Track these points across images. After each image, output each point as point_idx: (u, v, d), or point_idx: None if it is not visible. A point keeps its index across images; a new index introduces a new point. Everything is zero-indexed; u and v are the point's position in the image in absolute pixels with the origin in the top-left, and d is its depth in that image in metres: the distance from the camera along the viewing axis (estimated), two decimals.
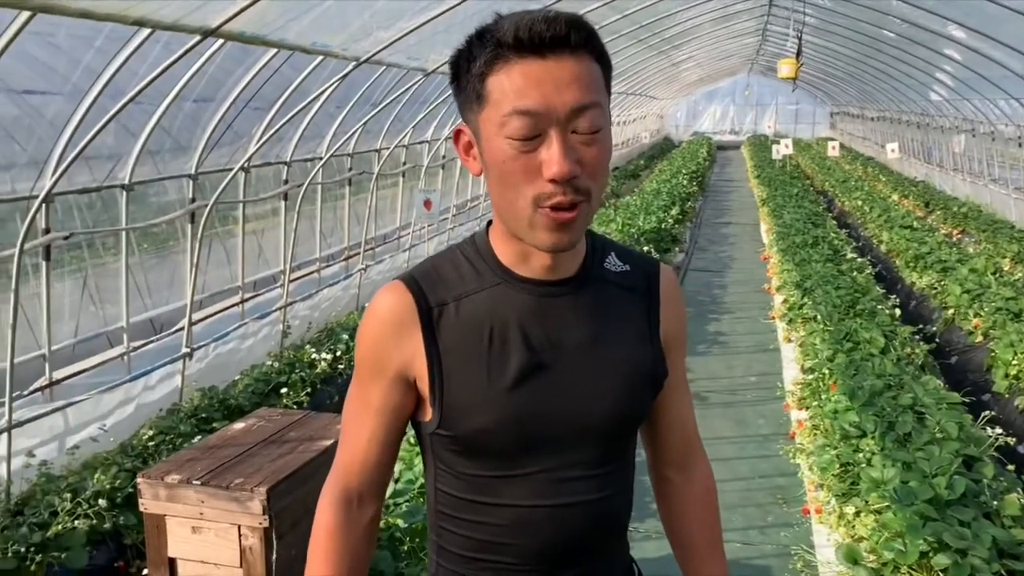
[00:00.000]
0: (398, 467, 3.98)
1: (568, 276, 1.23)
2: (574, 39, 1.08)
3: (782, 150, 17.23)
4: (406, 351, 1.20)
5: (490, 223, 1.26)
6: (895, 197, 14.56)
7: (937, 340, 6.76)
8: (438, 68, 7.38)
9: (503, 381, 1.18)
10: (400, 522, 3.42)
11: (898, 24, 11.62)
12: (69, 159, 4.25)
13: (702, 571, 1.42)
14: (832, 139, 24.07)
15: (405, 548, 3.30)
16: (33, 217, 4.26)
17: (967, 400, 4.59)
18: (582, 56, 1.10)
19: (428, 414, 1.22)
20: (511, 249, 1.21)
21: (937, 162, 16.31)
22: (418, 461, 4.00)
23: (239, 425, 3.06)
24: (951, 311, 7.03)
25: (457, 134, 1.20)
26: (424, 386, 1.21)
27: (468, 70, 1.12)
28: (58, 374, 4.87)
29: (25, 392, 4.64)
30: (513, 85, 1.08)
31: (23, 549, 3.37)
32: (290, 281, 6.80)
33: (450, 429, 1.20)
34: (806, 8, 12.98)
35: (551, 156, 1.08)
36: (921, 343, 5.95)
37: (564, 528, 1.23)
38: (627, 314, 1.27)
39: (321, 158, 7.38)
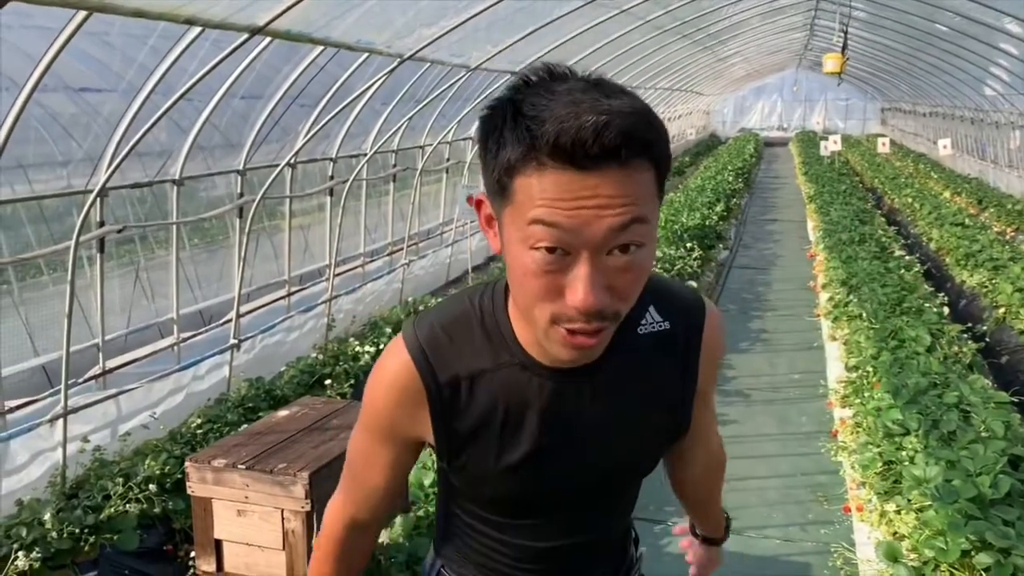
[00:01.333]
0: None
1: (592, 360, 1.08)
2: (625, 154, 0.89)
3: (830, 146, 16.95)
4: (414, 420, 1.14)
5: (507, 288, 1.12)
6: (947, 194, 14.25)
7: (987, 339, 6.62)
8: (481, 64, 7.43)
9: (511, 461, 1.13)
10: None
11: (950, 18, 11.38)
12: (122, 155, 4.37)
13: (706, 512, 1.54)
14: (882, 135, 23.61)
15: None
16: (88, 211, 4.39)
17: (1016, 400, 4.51)
18: (634, 166, 0.90)
19: (439, 458, 1.20)
20: (529, 331, 1.07)
21: (991, 158, 15.92)
22: None
23: (283, 413, 3.14)
24: (1002, 310, 6.88)
25: (478, 204, 1.04)
26: (432, 446, 1.18)
27: (495, 154, 0.94)
28: (111, 363, 5.02)
29: (80, 380, 4.79)
30: (544, 192, 0.90)
31: (77, 530, 3.49)
32: (335, 275, 6.91)
33: (462, 488, 1.21)
34: (854, 2, 12.76)
35: (576, 285, 0.92)
36: (969, 342, 5.83)
37: (567, 559, 1.28)
38: (658, 383, 1.17)
39: (366, 154, 7.47)
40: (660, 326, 1.15)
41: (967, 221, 10.59)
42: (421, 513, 3.55)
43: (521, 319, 1.09)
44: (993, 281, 7.51)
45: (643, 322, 1.14)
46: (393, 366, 1.13)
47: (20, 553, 3.25)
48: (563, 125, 0.87)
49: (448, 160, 9.67)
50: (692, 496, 1.52)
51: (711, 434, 1.43)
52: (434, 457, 1.22)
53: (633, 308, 1.03)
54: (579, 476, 1.18)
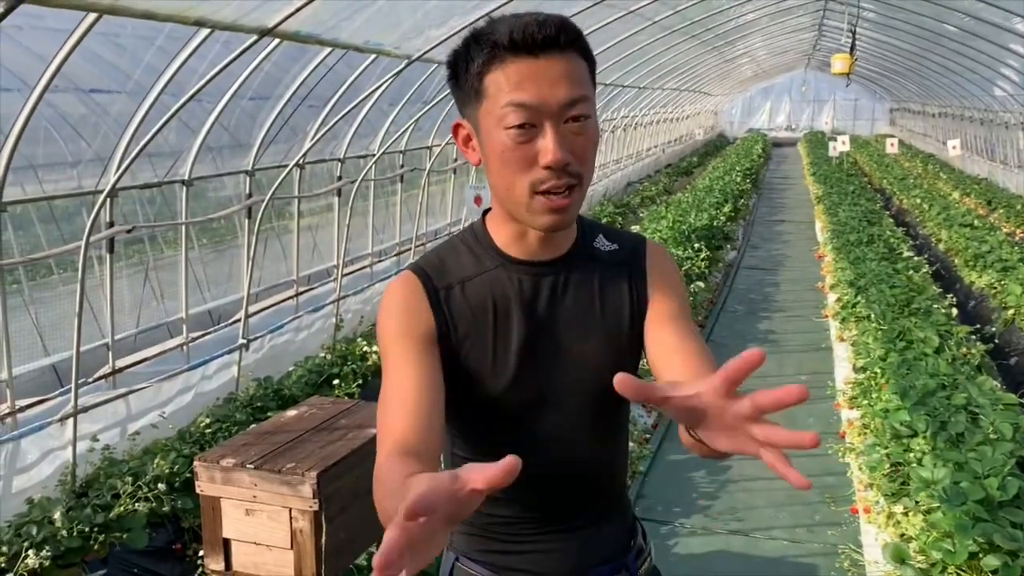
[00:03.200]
0: None
1: (560, 255, 1.35)
2: (563, 40, 1.18)
3: (839, 147, 16.89)
4: (424, 322, 1.30)
5: (486, 212, 1.38)
6: (956, 195, 14.20)
7: (996, 341, 6.59)
8: None
9: (507, 353, 1.31)
10: None
11: (960, 18, 11.34)
12: (132, 155, 4.39)
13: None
14: (891, 136, 23.55)
15: None
16: (98, 211, 4.41)
17: None
18: (570, 55, 1.20)
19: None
20: (507, 232, 1.33)
21: (1001, 159, 15.85)
22: None
23: (291, 412, 3.16)
24: (1011, 311, 6.86)
25: (456, 128, 1.30)
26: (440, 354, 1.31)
27: (467, 70, 1.22)
28: (121, 363, 5.04)
29: (90, 379, 4.82)
30: (509, 81, 1.18)
31: (87, 529, 3.52)
32: (343, 275, 6.92)
33: (461, 397, 1.31)
34: (863, 2, 12.73)
35: (547, 145, 1.18)
36: (978, 343, 5.82)
37: (561, 484, 1.37)
38: (613, 285, 1.38)
39: (374, 155, 7.49)
40: (611, 246, 1.40)
41: (976, 222, 10.56)
42: None
43: (500, 222, 1.33)
44: (1002, 282, 7.48)
45: (596, 243, 1.40)
46: (398, 286, 1.32)
47: (30, 551, 3.27)
48: (514, 26, 1.17)
49: (455, 161, 9.68)
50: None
51: (689, 340, 1.34)
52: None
53: (588, 230, 1.39)
54: (565, 366, 1.33)
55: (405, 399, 1.19)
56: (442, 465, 1.40)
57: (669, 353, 1.29)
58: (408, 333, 1.29)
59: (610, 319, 1.36)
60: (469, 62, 1.22)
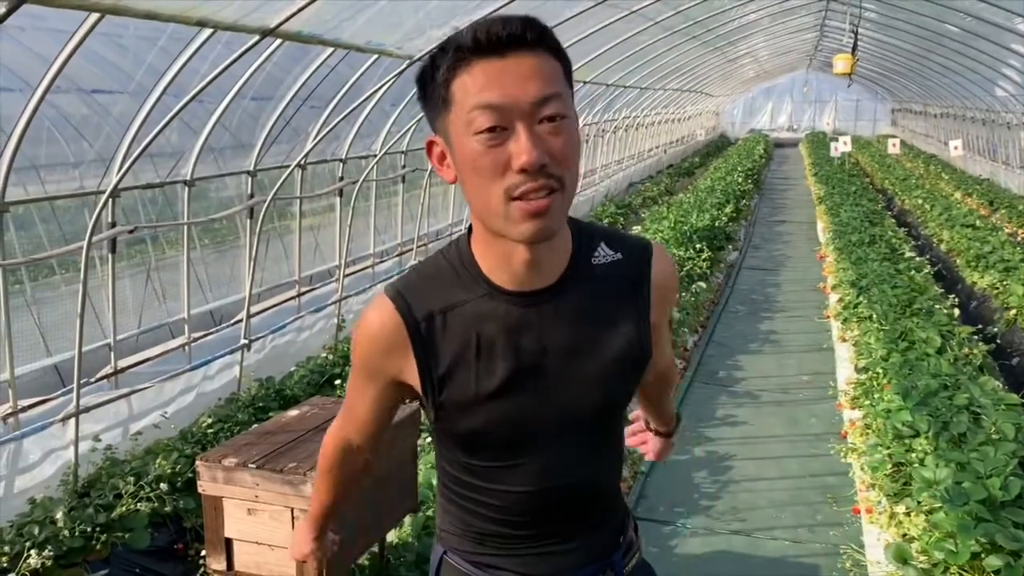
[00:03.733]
0: None
1: (551, 283, 1.25)
2: (530, 36, 1.12)
3: (840, 147, 16.86)
4: (397, 363, 1.27)
5: (471, 228, 1.27)
6: (958, 195, 14.18)
7: (998, 341, 6.59)
8: None
9: (489, 387, 1.24)
10: None
11: (961, 18, 11.33)
12: (134, 156, 4.40)
13: (657, 410, 1.73)
14: (893, 136, 23.52)
15: None
16: (100, 211, 4.42)
17: None
18: (539, 52, 1.14)
19: (428, 411, 1.31)
20: (492, 254, 1.23)
21: (1003, 160, 15.83)
22: None
23: (293, 412, 3.16)
24: (1014, 311, 6.85)
25: (429, 145, 1.22)
26: (419, 388, 1.28)
27: (433, 79, 1.16)
28: (123, 363, 5.05)
29: (92, 380, 4.82)
30: (475, 83, 1.11)
31: (89, 529, 3.52)
32: (345, 276, 6.93)
33: (448, 428, 1.30)
34: (865, 3, 12.72)
35: (519, 146, 1.10)
36: (980, 343, 5.81)
37: (558, 502, 1.35)
38: (615, 308, 1.30)
39: (375, 155, 7.49)
40: (612, 256, 1.30)
41: (978, 223, 10.54)
42: (430, 513, 3.56)
43: (483, 242, 1.23)
44: (1004, 283, 7.48)
45: (596, 254, 1.29)
46: (375, 314, 1.26)
47: (32, 551, 3.28)
48: (477, 27, 1.11)
49: None
50: (644, 397, 1.70)
51: (662, 355, 1.54)
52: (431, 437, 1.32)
53: (585, 243, 1.28)
54: (554, 403, 1.27)
55: (354, 417, 1.42)
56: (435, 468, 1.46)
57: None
58: (373, 376, 1.32)
59: (611, 343, 1.29)
60: (435, 71, 1.15)
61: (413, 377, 1.27)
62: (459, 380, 1.24)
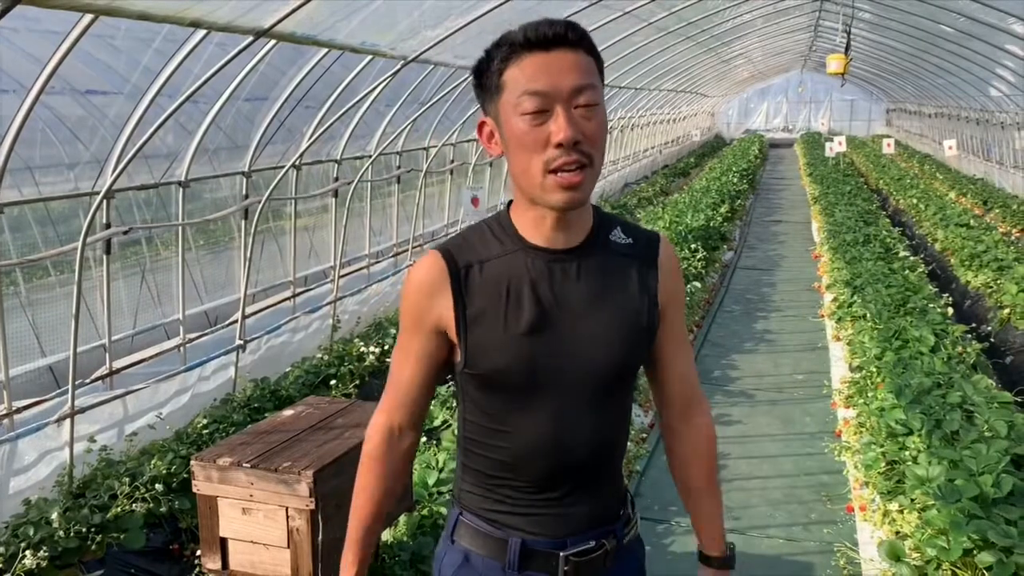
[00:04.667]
0: (442, 456, 4.06)
1: (575, 245, 1.45)
2: (571, 37, 1.35)
3: (835, 147, 16.92)
4: (439, 306, 1.44)
5: (510, 202, 1.49)
6: (952, 195, 14.22)
7: (992, 340, 6.62)
8: None
9: (517, 328, 1.41)
10: (443, 510, 3.49)
11: (955, 19, 11.37)
12: (128, 157, 4.40)
13: (698, 506, 1.67)
14: (888, 136, 23.57)
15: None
16: (94, 213, 4.42)
17: (1019, 399, 4.51)
18: (578, 50, 1.36)
19: (458, 355, 1.46)
20: (527, 219, 1.44)
21: (997, 159, 15.88)
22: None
23: (288, 412, 3.16)
24: (1007, 310, 6.88)
25: (480, 125, 1.45)
26: (453, 333, 1.44)
27: (488, 69, 1.39)
28: (118, 363, 5.04)
29: (87, 380, 4.82)
30: (524, 73, 1.34)
31: (84, 529, 3.52)
32: (340, 277, 6.93)
33: (474, 368, 1.44)
34: (859, 3, 12.76)
35: (558, 125, 1.32)
36: (973, 342, 5.83)
37: (565, 455, 1.46)
38: (627, 276, 1.49)
39: (370, 156, 7.50)
40: (626, 240, 1.51)
41: (972, 222, 10.58)
42: (425, 512, 3.57)
43: (521, 209, 1.44)
44: (998, 281, 7.51)
45: (613, 235, 1.50)
46: (424, 262, 1.46)
47: (27, 552, 3.28)
48: (527, 28, 1.34)
49: (452, 162, 9.69)
50: (688, 482, 1.66)
51: (687, 372, 1.62)
52: (447, 432, 1.36)
53: (605, 222, 1.50)
54: (570, 352, 1.42)
55: (399, 387, 1.54)
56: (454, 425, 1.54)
57: (658, 364, 1.58)
58: (417, 324, 1.47)
59: (623, 305, 1.46)
60: (490, 63, 1.38)
61: (450, 318, 1.43)
62: (489, 321, 1.41)
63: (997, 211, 12.32)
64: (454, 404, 2.73)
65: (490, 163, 10.79)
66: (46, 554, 3.30)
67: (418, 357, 1.50)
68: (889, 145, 17.54)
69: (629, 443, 4.65)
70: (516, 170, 1.39)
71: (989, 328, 6.90)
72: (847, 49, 11.13)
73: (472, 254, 1.45)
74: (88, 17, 3.41)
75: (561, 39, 1.34)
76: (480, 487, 1.52)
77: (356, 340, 6.28)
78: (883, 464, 3.95)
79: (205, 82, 4.39)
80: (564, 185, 1.34)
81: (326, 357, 5.88)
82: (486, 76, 1.40)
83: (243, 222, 6.03)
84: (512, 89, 1.35)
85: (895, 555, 3.20)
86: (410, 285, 1.47)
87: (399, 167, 8.46)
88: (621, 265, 1.48)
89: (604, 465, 1.51)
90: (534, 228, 1.43)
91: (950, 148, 16.10)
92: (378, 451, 1.56)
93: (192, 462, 2.75)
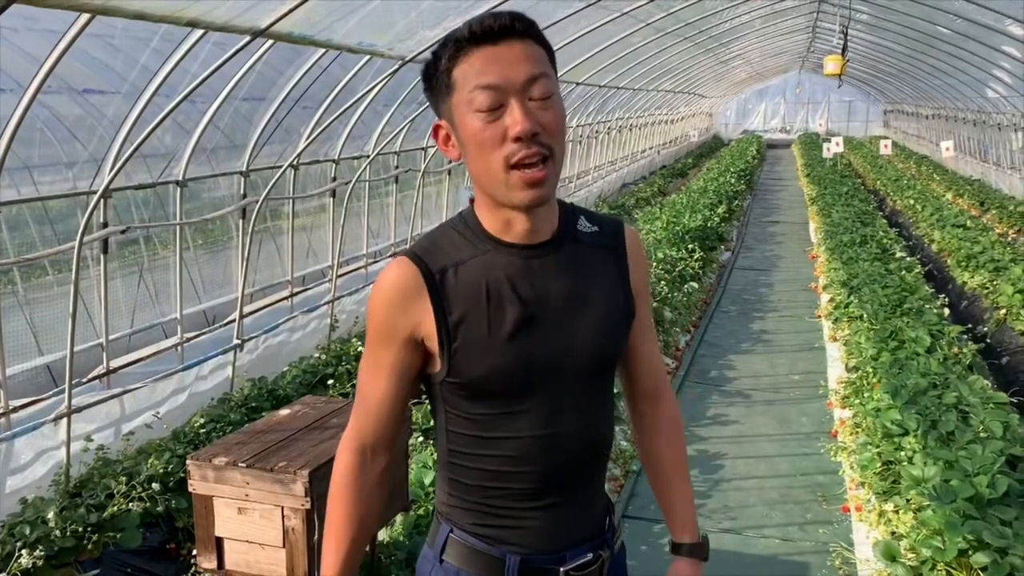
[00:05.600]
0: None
1: (547, 239, 1.41)
2: (518, 27, 1.30)
3: (833, 148, 16.95)
4: (414, 315, 1.37)
5: (473, 200, 1.44)
6: (949, 196, 14.25)
7: (988, 340, 6.63)
8: None
9: (503, 331, 1.36)
10: None
11: (952, 20, 11.39)
12: (126, 156, 4.40)
13: (669, 492, 1.65)
14: (885, 137, 23.61)
15: None
16: (92, 212, 4.42)
17: (1015, 400, 4.52)
18: (527, 41, 1.31)
19: (438, 365, 1.39)
20: (495, 218, 1.39)
21: (993, 160, 15.91)
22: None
23: (284, 411, 3.17)
24: (1003, 311, 6.89)
25: (436, 129, 1.40)
26: (433, 342, 1.37)
27: (437, 69, 1.33)
28: (115, 363, 5.04)
29: (84, 380, 4.82)
30: (473, 68, 1.29)
31: (81, 529, 3.52)
32: (338, 276, 6.93)
33: (458, 376, 1.37)
34: (856, 4, 12.77)
35: (514, 118, 1.27)
36: (969, 343, 5.84)
37: (558, 454, 1.42)
38: (601, 267, 1.46)
39: (368, 156, 7.50)
40: (592, 228, 1.48)
41: (969, 223, 10.60)
42: (421, 512, 3.57)
43: (486, 209, 1.38)
44: (994, 282, 7.52)
45: (580, 225, 1.47)
46: (393, 270, 1.38)
47: (24, 551, 3.27)
48: (472, 21, 1.29)
49: (450, 162, 9.69)
50: (657, 466, 1.65)
51: (654, 358, 1.62)
52: (433, 429, 1.33)
53: (570, 213, 1.46)
54: (557, 347, 1.39)
55: (369, 405, 1.45)
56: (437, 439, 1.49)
57: (628, 349, 1.55)
58: (390, 335, 1.39)
59: (604, 295, 1.44)
60: (438, 62, 1.33)
61: (429, 326, 1.36)
62: (472, 325, 1.35)
63: (994, 212, 12.35)
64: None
65: None
66: (42, 553, 3.30)
67: (391, 371, 1.41)
68: (886, 146, 17.59)
69: (625, 443, 4.67)
70: (476, 170, 1.33)
71: (985, 329, 6.91)
72: (844, 50, 11.15)
73: (444, 258, 1.38)
74: (85, 16, 3.41)
75: (508, 30, 1.29)
76: (469, 501, 1.44)
77: (354, 340, 6.28)
78: (879, 464, 3.95)
79: (203, 82, 4.39)
80: (528, 182, 1.29)
81: (324, 357, 5.88)
82: (435, 77, 1.34)
83: (241, 221, 6.03)
84: (463, 86, 1.30)
85: (890, 555, 3.20)
86: (380, 294, 1.39)
87: (397, 167, 8.47)
88: (594, 255, 1.45)
89: (596, 463, 1.49)
90: (503, 226, 1.38)
91: (947, 149, 16.13)
92: (350, 475, 1.46)
93: (188, 461, 2.75)
